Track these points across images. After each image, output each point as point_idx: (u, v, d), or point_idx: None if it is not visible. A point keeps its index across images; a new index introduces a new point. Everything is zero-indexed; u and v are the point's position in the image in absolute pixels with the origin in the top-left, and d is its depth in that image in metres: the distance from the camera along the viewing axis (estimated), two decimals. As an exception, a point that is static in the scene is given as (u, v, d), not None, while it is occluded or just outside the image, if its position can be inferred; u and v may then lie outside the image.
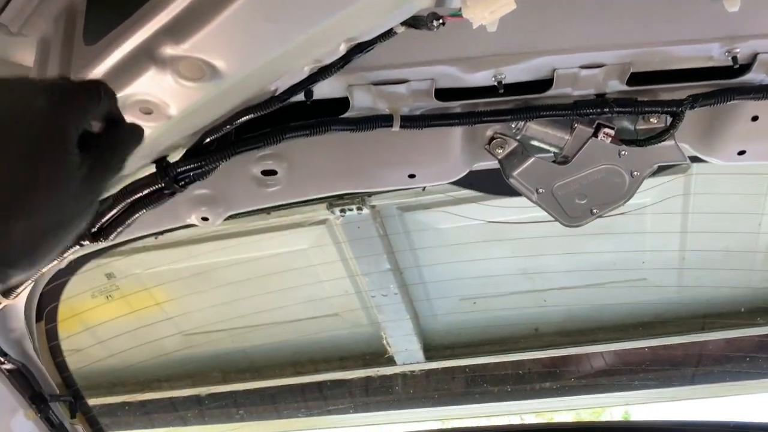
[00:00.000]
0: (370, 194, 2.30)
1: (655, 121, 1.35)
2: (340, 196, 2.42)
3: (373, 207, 2.75)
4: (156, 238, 2.62)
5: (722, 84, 1.27)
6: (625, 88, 1.28)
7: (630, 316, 3.03)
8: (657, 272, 2.85)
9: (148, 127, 0.96)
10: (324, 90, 1.24)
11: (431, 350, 3.43)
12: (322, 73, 1.04)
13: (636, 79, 1.26)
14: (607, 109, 1.28)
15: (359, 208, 2.70)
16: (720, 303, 2.84)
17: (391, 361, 3.44)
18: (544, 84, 1.27)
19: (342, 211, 2.71)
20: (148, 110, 0.90)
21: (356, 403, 3.57)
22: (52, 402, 1.83)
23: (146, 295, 3.15)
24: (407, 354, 3.41)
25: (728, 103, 1.27)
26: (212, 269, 3.11)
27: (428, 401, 3.52)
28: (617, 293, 3.00)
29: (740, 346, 2.84)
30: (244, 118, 1.07)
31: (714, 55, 1.20)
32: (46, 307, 1.76)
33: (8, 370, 1.69)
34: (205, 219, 1.48)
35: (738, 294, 2.79)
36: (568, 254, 2.93)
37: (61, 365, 1.87)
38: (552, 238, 2.86)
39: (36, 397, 1.78)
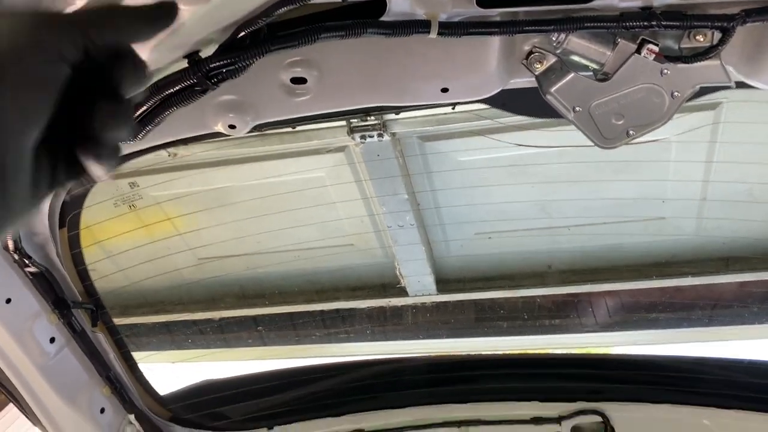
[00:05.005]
0: (398, 111, 2.26)
1: (701, 39, 1.29)
2: (363, 118, 2.39)
3: (393, 134, 2.72)
4: (171, 157, 2.61)
5: (777, -1, 1.21)
6: (674, 1, 1.22)
7: (646, 255, 3.03)
8: (677, 209, 2.82)
9: (185, 10, 0.93)
10: (361, -9, 1.19)
11: (443, 283, 3.45)
12: (367, -39, 0.99)
13: (686, -9, 1.21)
14: (654, 23, 1.23)
15: (380, 135, 2.66)
16: (740, 244, 2.82)
17: (403, 293, 3.47)
18: (590, -7, 1.21)
19: (362, 137, 2.68)
20: (186, -11, 0.86)
21: (366, 332, 3.62)
22: (75, 309, 1.86)
23: (162, 216, 3.16)
24: (420, 286, 3.43)
25: (782, 20, 1.22)
26: (231, 195, 3.11)
27: (438, 333, 3.57)
28: (634, 232, 2.98)
29: (759, 288, 2.83)
30: (281, 9, 1.03)
31: (773, -35, 1.13)
32: (68, 214, 1.76)
33: (32, 273, 1.70)
34: (232, 127, 1.46)
35: (760, 234, 2.76)
36: (587, 191, 2.90)
37: (82, 273, 1.89)
38: (571, 174, 2.83)
39: (59, 303, 1.80)
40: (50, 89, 0.63)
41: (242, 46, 1.11)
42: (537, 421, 2.32)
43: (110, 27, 0.68)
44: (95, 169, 0.70)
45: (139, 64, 0.72)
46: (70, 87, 0.66)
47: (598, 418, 2.30)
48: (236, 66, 1.12)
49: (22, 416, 2.09)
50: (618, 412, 2.29)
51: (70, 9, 0.70)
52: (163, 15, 0.76)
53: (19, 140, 0.61)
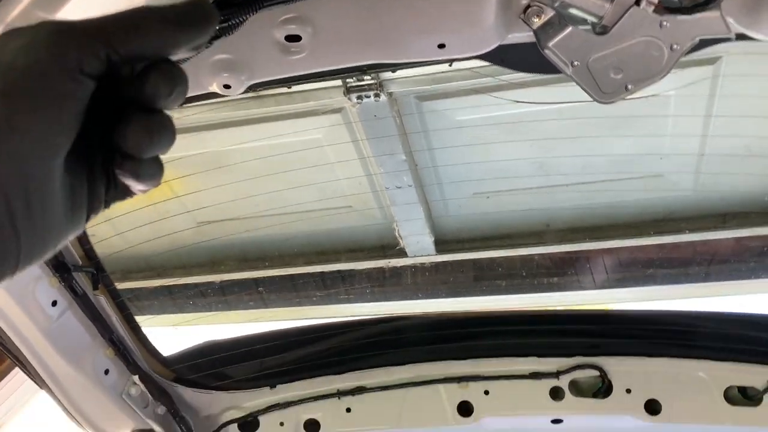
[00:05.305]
0: (395, 69, 2.24)
1: (702, -10, 1.28)
2: (359, 77, 2.36)
3: (390, 94, 2.69)
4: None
5: (781, -54, 1.19)
6: (675, -51, 1.20)
7: (644, 212, 3.03)
8: (675, 165, 2.82)
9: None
10: (355, -55, 1.17)
11: (442, 243, 3.46)
12: None
13: (687, -61, 1.18)
14: (654, -27, 1.21)
15: (377, 95, 2.64)
16: (738, 200, 2.82)
17: (402, 253, 3.49)
18: (589, -57, 1.19)
19: (359, 97, 2.66)
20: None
21: (365, 292, 3.65)
22: (75, 272, 1.87)
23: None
24: (418, 246, 3.44)
25: (784, -32, 1.20)
26: (228, 158, 3.09)
27: (437, 293, 3.60)
28: (632, 188, 2.99)
29: (756, 243, 2.85)
30: (275, -36, 1.01)
31: None
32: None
33: (32, 238, 1.70)
34: (227, 87, 1.44)
35: (758, 189, 2.76)
36: (585, 147, 2.90)
37: (82, 237, 1.89)
38: (569, 131, 2.82)
39: (59, 266, 1.81)
40: (72, 107, 0.58)
41: (235, 2, 1.09)
42: (535, 375, 2.36)
43: (135, 36, 0.61)
44: (135, 186, 0.67)
45: (175, 73, 0.65)
46: (98, 101, 0.60)
47: (596, 372, 2.34)
48: (229, 23, 1.11)
49: (28, 380, 2.12)
50: (615, 366, 2.33)
51: (89, 18, 0.62)
52: (196, 20, 0.65)
53: (42, 164, 0.56)
